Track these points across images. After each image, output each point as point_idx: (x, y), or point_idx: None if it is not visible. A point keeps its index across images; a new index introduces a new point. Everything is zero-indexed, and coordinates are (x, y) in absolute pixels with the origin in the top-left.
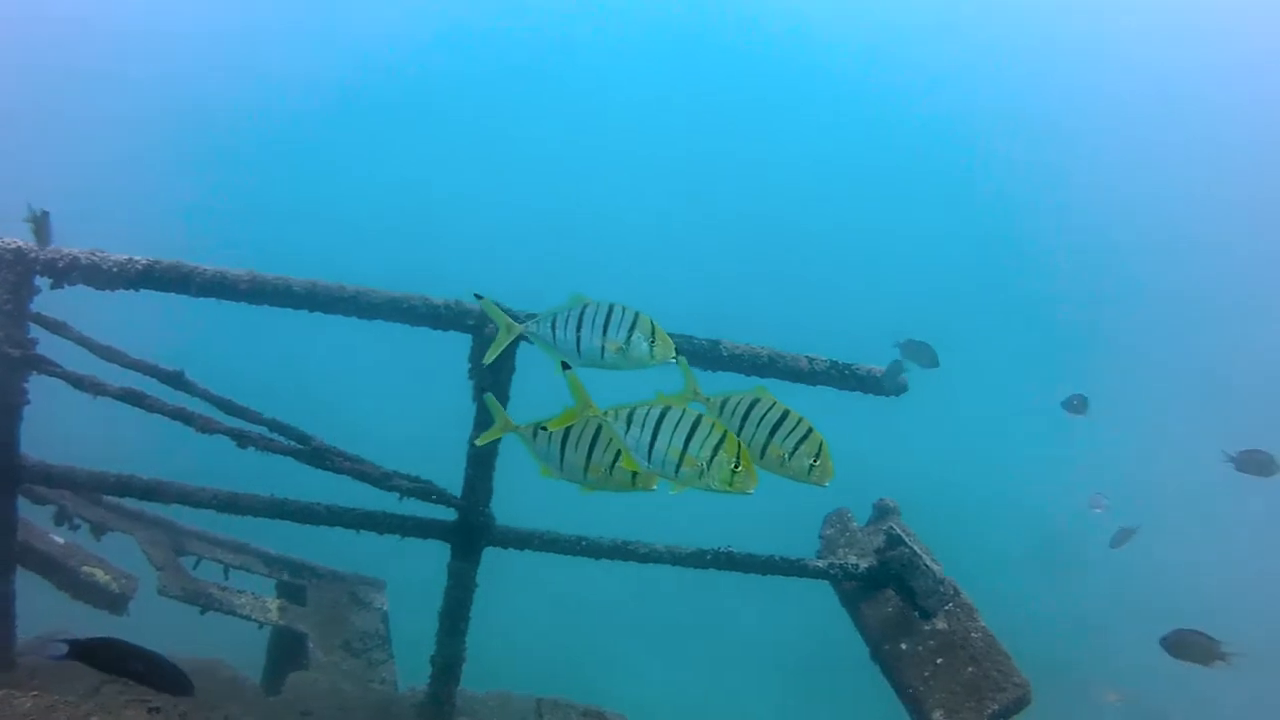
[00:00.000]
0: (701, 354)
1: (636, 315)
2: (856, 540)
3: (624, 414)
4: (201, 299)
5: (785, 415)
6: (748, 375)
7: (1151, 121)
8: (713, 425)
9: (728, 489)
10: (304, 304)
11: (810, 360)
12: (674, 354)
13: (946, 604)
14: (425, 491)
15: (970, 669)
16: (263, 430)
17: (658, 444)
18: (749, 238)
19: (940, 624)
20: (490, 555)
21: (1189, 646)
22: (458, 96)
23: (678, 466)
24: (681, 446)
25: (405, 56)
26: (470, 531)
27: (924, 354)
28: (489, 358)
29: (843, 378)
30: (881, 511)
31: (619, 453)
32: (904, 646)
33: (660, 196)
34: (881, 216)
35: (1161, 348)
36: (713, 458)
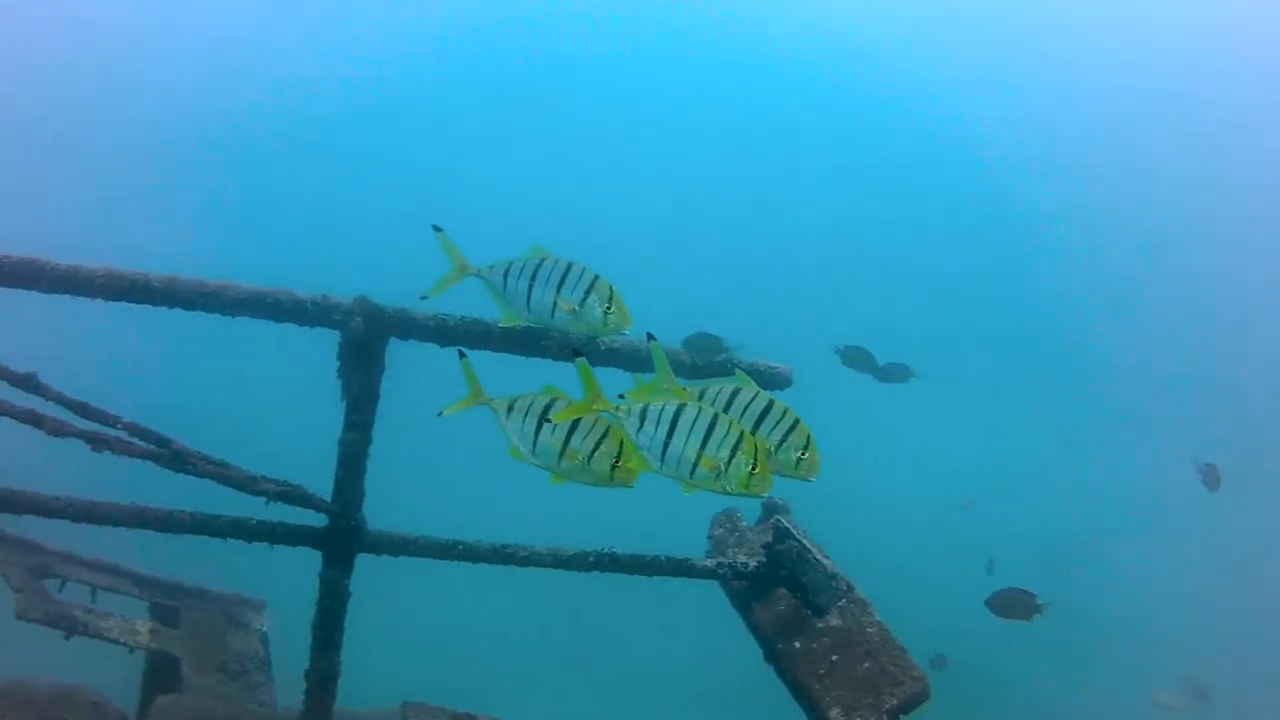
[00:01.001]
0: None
1: (595, 277)
2: (747, 539)
3: (637, 409)
4: (56, 296)
5: (770, 405)
6: (628, 370)
7: (1146, 123)
8: (730, 425)
9: (743, 492)
10: (163, 300)
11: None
12: (629, 325)
13: (839, 600)
14: (293, 495)
15: (866, 664)
16: (120, 434)
17: (673, 443)
18: (750, 244)
19: (834, 620)
20: (381, 567)
21: (1010, 605)
22: (462, 103)
23: (694, 467)
24: (699, 446)
25: (410, 62)
26: (340, 537)
27: (862, 359)
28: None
29: (727, 374)
30: (770, 509)
31: (599, 442)
32: (798, 645)
33: (669, 199)
34: (876, 218)
35: (1156, 353)
36: (730, 459)
